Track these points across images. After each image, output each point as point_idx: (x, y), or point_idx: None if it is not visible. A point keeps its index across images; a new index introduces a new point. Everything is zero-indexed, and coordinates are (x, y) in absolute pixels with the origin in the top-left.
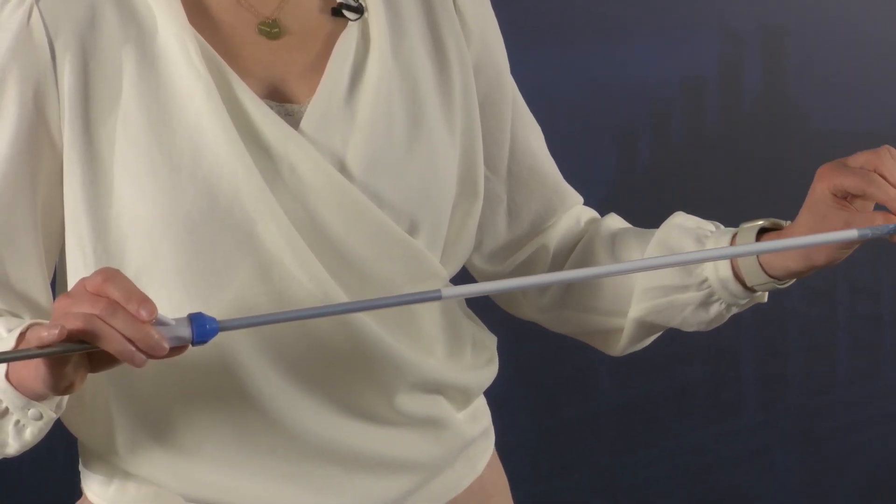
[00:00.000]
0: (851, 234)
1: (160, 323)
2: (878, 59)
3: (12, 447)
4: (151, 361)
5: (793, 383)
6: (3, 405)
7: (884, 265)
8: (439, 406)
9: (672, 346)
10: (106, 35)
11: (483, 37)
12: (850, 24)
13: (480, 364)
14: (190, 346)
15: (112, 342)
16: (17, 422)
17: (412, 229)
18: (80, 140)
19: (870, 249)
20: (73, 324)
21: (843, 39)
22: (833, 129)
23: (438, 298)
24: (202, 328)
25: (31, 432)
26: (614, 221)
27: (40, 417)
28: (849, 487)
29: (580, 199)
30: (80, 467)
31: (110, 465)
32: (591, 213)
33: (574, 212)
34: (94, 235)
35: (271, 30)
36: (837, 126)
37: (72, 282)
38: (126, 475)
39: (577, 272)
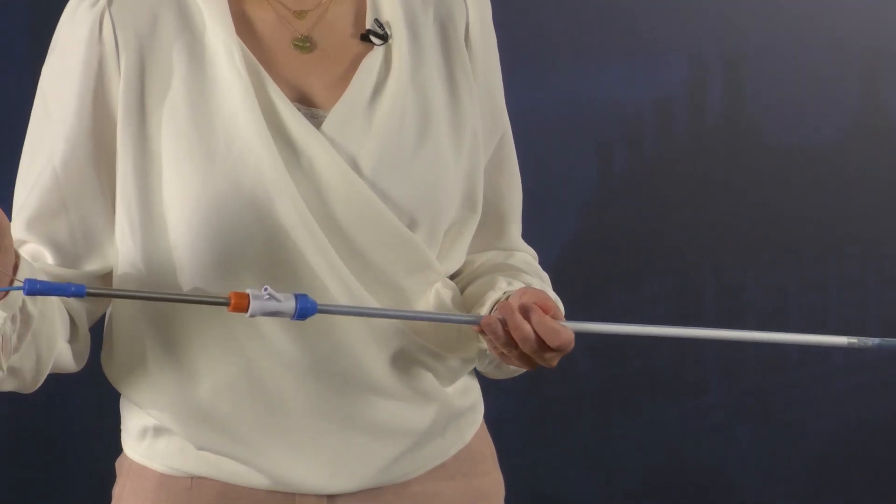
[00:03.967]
0: (841, 340)
1: (272, 297)
2: (823, 82)
3: None
4: (190, 314)
5: (749, 366)
6: None
7: (831, 264)
8: (429, 381)
9: None
10: (163, 37)
11: (487, 81)
12: (800, 52)
13: (466, 347)
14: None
15: None
16: None
17: (412, 225)
18: (134, 123)
19: (826, 248)
20: None
21: (794, 64)
22: (784, 143)
23: (477, 323)
24: (304, 307)
25: None
26: (509, 266)
27: None
28: (798, 458)
29: (528, 250)
30: (122, 424)
31: (143, 419)
32: (527, 260)
33: (510, 252)
34: (140, 207)
35: (304, 44)
36: (788, 141)
37: (119, 243)
38: (157, 430)
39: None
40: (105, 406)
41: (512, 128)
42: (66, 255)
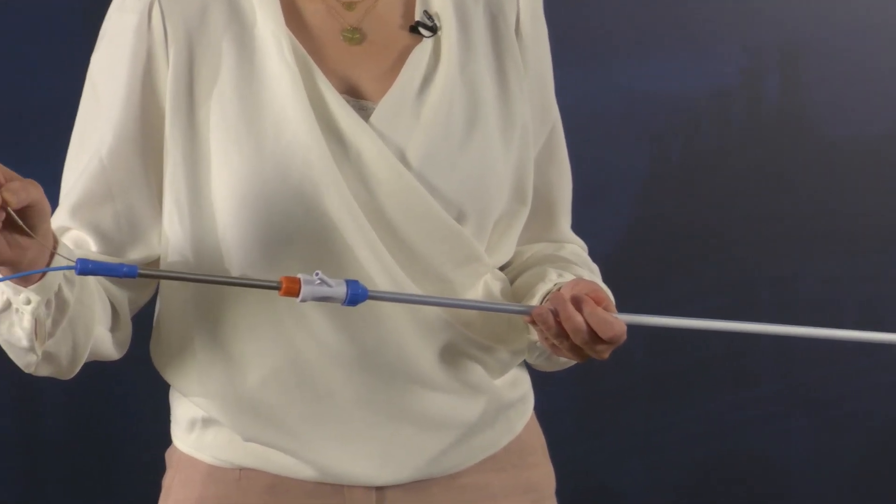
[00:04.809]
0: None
1: (323, 282)
2: (879, 74)
3: (23, 341)
4: (238, 306)
5: (803, 357)
6: (5, 297)
7: (886, 256)
8: (477, 373)
9: None
10: (212, 28)
11: (537, 73)
12: (856, 43)
13: (516, 338)
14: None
15: None
16: (17, 310)
17: (460, 217)
18: (183, 114)
19: (882, 240)
20: None
21: (850, 56)
22: (840, 135)
23: (528, 313)
24: (355, 293)
25: (28, 319)
26: (559, 257)
27: (29, 302)
28: (851, 449)
29: (578, 242)
30: (171, 415)
31: (192, 410)
32: (577, 251)
33: (560, 244)
34: (189, 197)
35: (353, 36)
36: (844, 132)
37: (167, 232)
38: (205, 422)
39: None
40: (157, 397)
41: (566, 120)
42: (109, 242)
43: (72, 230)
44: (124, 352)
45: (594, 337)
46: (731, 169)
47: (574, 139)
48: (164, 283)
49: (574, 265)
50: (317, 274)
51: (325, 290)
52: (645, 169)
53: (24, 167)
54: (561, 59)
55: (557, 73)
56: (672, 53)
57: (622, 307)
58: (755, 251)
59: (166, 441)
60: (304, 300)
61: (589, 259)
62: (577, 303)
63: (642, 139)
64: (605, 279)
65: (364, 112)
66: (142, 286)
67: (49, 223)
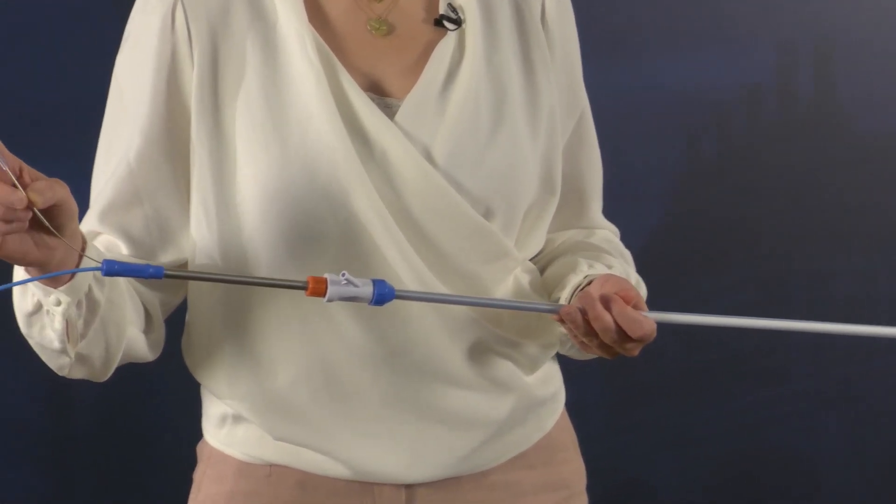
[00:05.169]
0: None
1: (349, 282)
2: None
3: (55, 343)
4: (266, 306)
5: (834, 353)
6: (36, 299)
7: None
8: (507, 371)
9: None
10: (236, 27)
11: (565, 60)
12: (890, 39)
13: (546, 333)
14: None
15: None
16: (48, 312)
17: (487, 214)
18: (208, 115)
19: None
20: None
21: (884, 51)
22: (874, 130)
23: (556, 312)
24: (382, 293)
25: (59, 321)
26: (589, 244)
27: (59, 304)
28: (883, 446)
29: (609, 227)
30: (202, 410)
31: (223, 406)
32: (608, 238)
33: (591, 230)
34: (216, 199)
35: (380, 27)
36: (878, 128)
37: (194, 234)
38: (236, 418)
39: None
40: (188, 391)
41: (599, 116)
42: (140, 246)
43: (102, 234)
44: (158, 353)
45: (623, 336)
46: (763, 165)
47: (607, 135)
48: (192, 285)
49: (605, 253)
50: (343, 274)
51: (351, 290)
52: (678, 165)
53: (52, 167)
54: (594, 56)
55: (590, 69)
56: (705, 49)
57: (654, 303)
58: (788, 247)
59: (197, 435)
60: (330, 300)
61: (621, 245)
62: (606, 302)
63: (675, 135)
64: (639, 275)
65: (389, 110)
66: (173, 288)
67: (77, 223)
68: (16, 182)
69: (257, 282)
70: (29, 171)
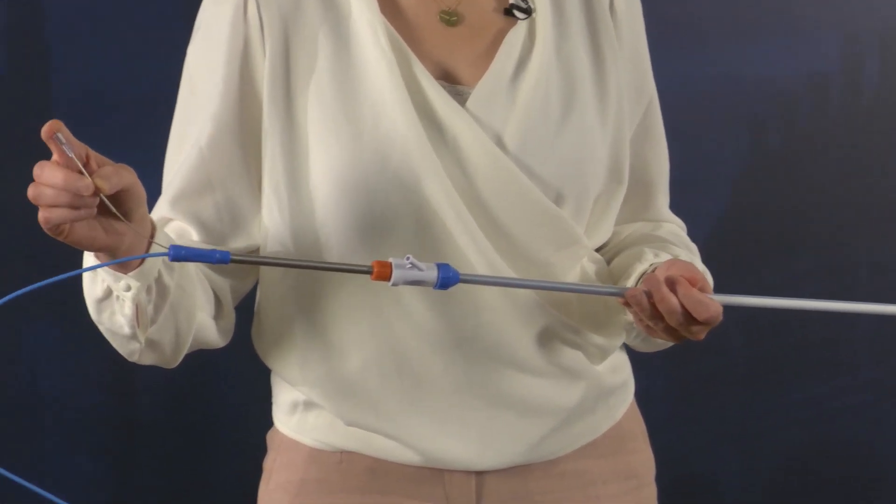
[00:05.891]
0: None
1: (414, 266)
2: None
3: (125, 328)
4: (338, 292)
5: None
6: (105, 285)
7: None
8: (576, 359)
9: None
10: (308, 18)
11: (633, 49)
12: None
13: (612, 321)
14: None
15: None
16: (118, 297)
17: (558, 200)
18: (280, 104)
19: None
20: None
21: None
22: None
23: (621, 295)
24: (446, 276)
25: (129, 306)
26: (656, 236)
27: (129, 289)
28: None
29: (676, 221)
30: (272, 398)
31: (293, 394)
32: (675, 231)
33: (658, 223)
34: (288, 186)
35: (451, 18)
36: None
37: (266, 221)
38: (307, 405)
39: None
40: (258, 379)
41: (665, 104)
42: (211, 232)
43: (174, 221)
44: (228, 339)
45: (689, 318)
46: (829, 154)
47: (674, 123)
48: (263, 271)
49: (671, 245)
50: (408, 258)
51: (416, 274)
52: (743, 154)
53: (123, 155)
54: (660, 44)
55: (657, 57)
56: (771, 38)
57: (720, 291)
58: (854, 237)
59: (268, 423)
60: (395, 284)
61: (687, 238)
62: (672, 284)
63: (741, 124)
64: (704, 263)
65: (460, 97)
66: (243, 274)
67: (145, 208)
68: (82, 169)
69: (323, 266)
70: (96, 158)
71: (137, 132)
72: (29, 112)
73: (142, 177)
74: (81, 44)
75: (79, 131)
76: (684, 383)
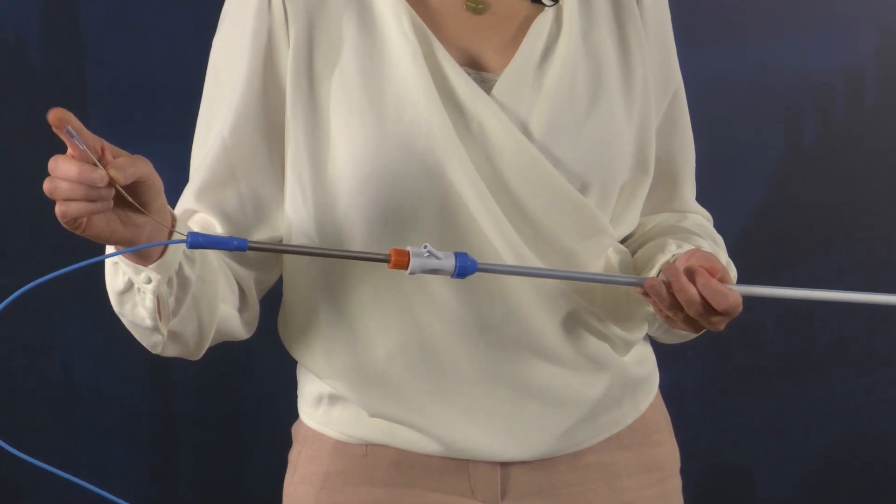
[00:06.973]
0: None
1: (431, 254)
2: None
3: (147, 320)
4: (363, 282)
5: None
6: (127, 277)
7: None
8: (602, 349)
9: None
10: (332, 6)
11: (659, 38)
12: None
13: (635, 311)
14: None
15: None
16: (139, 289)
17: (583, 189)
18: (304, 93)
19: None
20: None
21: None
22: None
23: (640, 285)
24: (464, 265)
25: (151, 298)
26: (681, 228)
27: (150, 281)
28: None
29: (702, 212)
30: (298, 391)
31: (319, 386)
32: (700, 222)
33: (683, 214)
34: (312, 176)
35: (477, 6)
36: None
37: (289, 212)
38: (332, 398)
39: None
40: (284, 372)
41: (701, 96)
42: (235, 224)
43: (198, 213)
44: (252, 331)
45: (708, 308)
46: (864, 148)
47: (709, 117)
48: (288, 262)
49: (696, 236)
50: (425, 246)
51: (433, 263)
52: (778, 146)
53: (160, 147)
54: (697, 37)
55: (691, 51)
56: (807, 32)
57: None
58: (889, 231)
59: (293, 416)
60: (412, 272)
61: (713, 230)
62: (691, 274)
63: (776, 117)
64: (736, 258)
65: (486, 84)
66: (266, 265)
67: (163, 199)
68: (95, 161)
69: (340, 254)
70: (111, 149)
71: (174, 124)
72: (64, 104)
73: (179, 169)
74: (117, 35)
75: (115, 123)
76: (718, 376)
